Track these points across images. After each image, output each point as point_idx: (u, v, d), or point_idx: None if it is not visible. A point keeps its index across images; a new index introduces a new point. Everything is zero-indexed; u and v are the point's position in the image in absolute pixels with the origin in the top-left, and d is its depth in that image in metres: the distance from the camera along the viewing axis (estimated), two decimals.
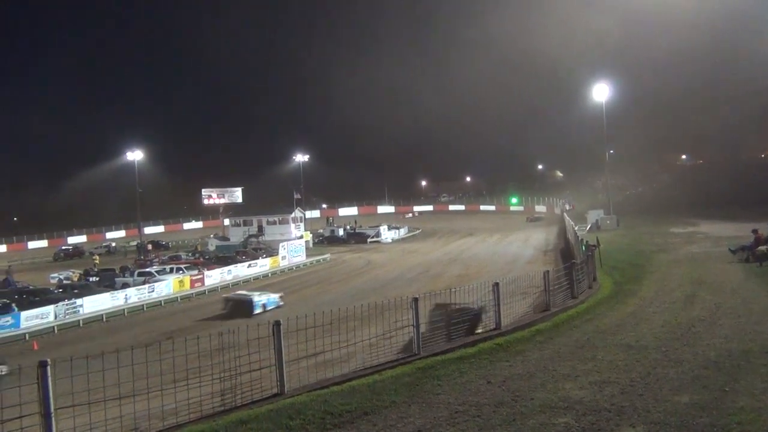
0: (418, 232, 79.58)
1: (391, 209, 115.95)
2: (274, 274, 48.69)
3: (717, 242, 35.41)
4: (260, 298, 31.14)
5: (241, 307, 29.80)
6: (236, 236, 69.98)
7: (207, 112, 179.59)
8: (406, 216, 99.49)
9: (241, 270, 46.99)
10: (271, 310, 30.47)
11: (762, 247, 25.48)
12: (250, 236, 68.44)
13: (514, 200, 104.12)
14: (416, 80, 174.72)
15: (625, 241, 41.96)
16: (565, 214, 66.43)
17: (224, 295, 33.25)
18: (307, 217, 79.48)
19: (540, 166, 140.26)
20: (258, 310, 29.97)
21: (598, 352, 11.14)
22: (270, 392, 9.24)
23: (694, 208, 63.08)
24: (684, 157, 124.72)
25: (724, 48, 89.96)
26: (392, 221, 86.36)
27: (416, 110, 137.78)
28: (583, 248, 28.84)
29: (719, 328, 13.17)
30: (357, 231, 73.99)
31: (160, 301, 37.72)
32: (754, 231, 27.24)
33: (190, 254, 60.16)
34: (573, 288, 17.89)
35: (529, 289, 18.33)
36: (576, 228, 44.93)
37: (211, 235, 76.30)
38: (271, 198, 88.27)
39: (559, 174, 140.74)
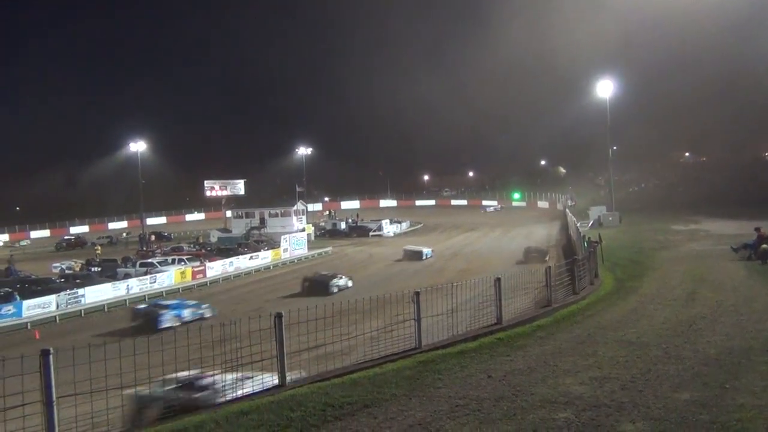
0: (420, 226, 79.58)
1: (393, 203, 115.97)
2: (275, 266, 48.80)
3: (719, 240, 35.40)
4: (336, 281, 34.68)
5: (318, 287, 33.57)
6: (238, 228, 70.09)
7: (211, 104, 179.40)
8: (488, 209, 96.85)
9: (242, 262, 47.08)
10: (343, 290, 33.70)
11: (765, 245, 25.47)
12: (252, 228, 68.53)
13: (516, 196, 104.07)
14: (419, 75, 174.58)
15: (627, 237, 41.96)
16: (567, 210, 66.41)
17: (304, 275, 36.70)
18: (309, 209, 79.56)
19: (543, 162, 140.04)
20: (334, 291, 33.39)
21: (599, 348, 11.15)
22: (271, 384, 9.27)
23: (696, 205, 63.05)
24: (687, 154, 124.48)
25: (730, 44, 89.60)
26: (395, 215, 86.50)
27: (420, 104, 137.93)
28: (585, 244, 28.84)
29: (720, 325, 13.17)
30: (359, 224, 74.05)
31: (162, 291, 37.83)
32: (757, 229, 27.23)
33: (192, 246, 60.29)
34: (575, 284, 17.90)
35: (531, 285, 18.36)
36: (578, 224, 44.92)
37: (223, 226, 76.49)
38: (274, 190, 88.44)
39: (562, 170, 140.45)
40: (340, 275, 35.98)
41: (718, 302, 16.20)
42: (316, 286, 33.63)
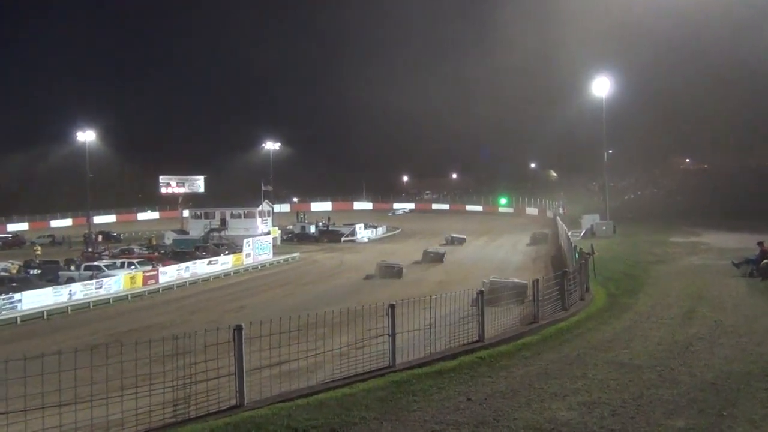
0: (397, 231, 79.73)
1: (368, 206, 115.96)
2: (236, 272, 48.51)
3: (720, 254, 35.99)
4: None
5: (391, 272, 41.42)
6: (196, 230, 69.52)
7: (169, 93, 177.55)
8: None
9: (200, 267, 46.71)
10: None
11: (767, 261, 25.92)
12: (212, 230, 68.06)
13: (503, 201, 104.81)
14: (401, 70, 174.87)
15: (622, 249, 42.45)
16: (558, 218, 67.02)
17: (378, 262, 44.11)
18: (275, 211, 79.24)
19: (533, 165, 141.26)
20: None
21: (589, 370, 11.26)
22: (228, 404, 9.19)
23: (696, 216, 64.06)
24: (688, 160, 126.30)
25: (735, 45, 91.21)
26: (370, 219, 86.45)
27: (401, 101, 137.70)
28: (576, 256, 29.11)
29: (719, 347, 13.39)
30: (330, 228, 73.99)
31: (109, 298, 37.36)
32: (760, 244, 27.67)
33: (143, 248, 59.63)
34: (564, 299, 18.05)
35: (517, 299, 18.49)
36: (569, 234, 45.33)
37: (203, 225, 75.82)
38: (237, 189, 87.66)
39: (554, 174, 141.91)
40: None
41: (717, 322, 16.46)
42: (390, 271, 41.58)
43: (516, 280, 28.52)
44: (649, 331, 15.53)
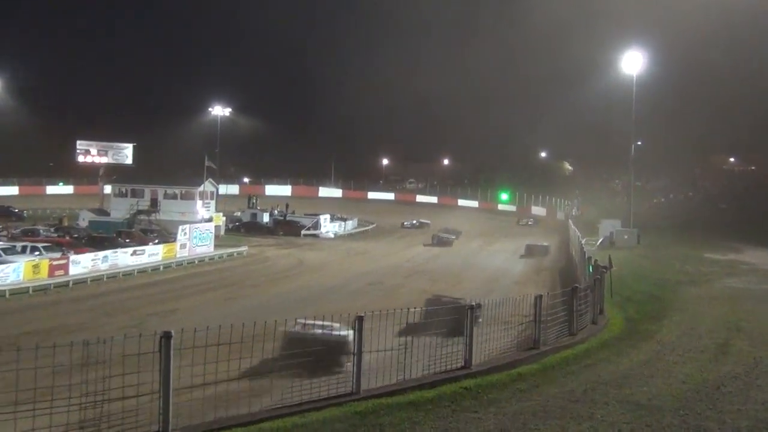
0: (371, 227, 79.73)
1: (337, 193, 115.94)
2: (167, 267, 48.17)
3: (764, 277, 36.47)
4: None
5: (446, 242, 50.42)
6: (119, 210, 68.86)
7: (94, 41, 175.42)
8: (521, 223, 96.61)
9: (122, 257, 46.30)
10: None
11: None
12: (139, 212, 67.48)
13: (504, 196, 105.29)
14: (386, 30, 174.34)
15: (646, 264, 42.81)
16: (570, 222, 67.44)
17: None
18: (221, 193, 78.76)
19: (543, 154, 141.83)
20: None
21: (598, 410, 11.34)
22: (148, 429, 9.14)
23: (738, 228, 64.78)
24: (732, 160, 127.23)
25: None
26: (339, 210, 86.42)
27: (382, 67, 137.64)
28: (590, 269, 29.30)
29: (756, 390, 13.55)
30: (288, 218, 73.84)
31: (5, 291, 36.85)
32: None
33: (52, 230, 58.87)
34: (572, 321, 18.16)
35: (514, 318, 18.52)
36: (583, 241, 45.63)
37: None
38: (174, 163, 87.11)
39: (568, 167, 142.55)
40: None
41: (756, 359, 16.66)
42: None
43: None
44: (673, 365, 15.69)
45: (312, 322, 17.32)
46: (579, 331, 18.51)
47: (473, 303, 14.30)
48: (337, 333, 16.54)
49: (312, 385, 11.16)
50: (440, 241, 64.84)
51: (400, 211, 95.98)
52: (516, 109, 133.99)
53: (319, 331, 16.27)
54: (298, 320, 17.74)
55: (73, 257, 43.44)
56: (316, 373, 11.41)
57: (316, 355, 12.39)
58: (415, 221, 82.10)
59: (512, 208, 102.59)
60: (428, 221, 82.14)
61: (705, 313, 25.20)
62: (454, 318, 14.90)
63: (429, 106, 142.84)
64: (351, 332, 13.25)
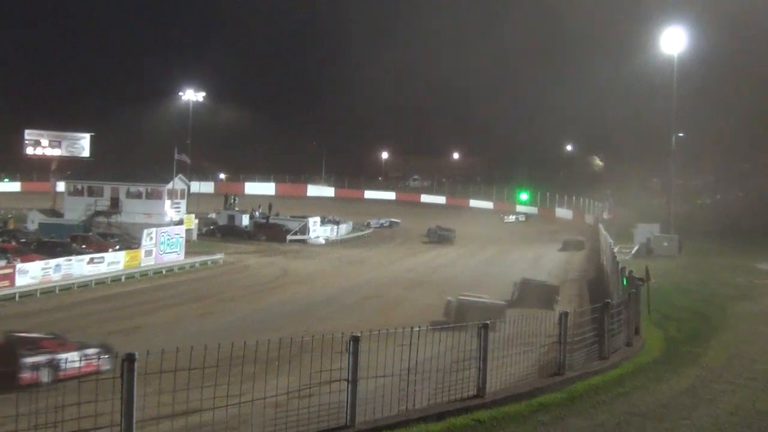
0: (368, 232, 79.70)
1: (329, 191, 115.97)
2: (130, 277, 48.15)
3: None
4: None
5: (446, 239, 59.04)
6: (74, 211, 68.83)
7: (43, 11, 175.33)
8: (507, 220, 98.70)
9: (77, 266, 46.24)
10: None
11: None
12: (98, 213, 67.47)
13: (523, 196, 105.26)
14: (386, 9, 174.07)
15: (690, 276, 42.71)
16: (601, 226, 67.35)
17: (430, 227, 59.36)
18: (193, 191, 78.65)
19: (569, 147, 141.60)
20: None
21: None
22: None
23: None
24: None
25: None
26: (330, 211, 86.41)
27: (383, 46, 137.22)
28: (624, 282, 29.24)
29: None
30: (271, 221, 73.85)
31: None
32: None
33: None
34: (603, 343, 18.09)
35: (535, 339, 18.45)
36: (616, 249, 45.54)
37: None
38: (138, 156, 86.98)
39: (598, 162, 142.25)
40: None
41: None
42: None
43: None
44: (720, 395, 15.63)
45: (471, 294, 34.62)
46: (611, 354, 18.44)
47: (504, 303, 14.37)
48: (495, 301, 33.72)
49: (300, 415, 11.11)
50: (440, 238, 65.53)
51: (402, 212, 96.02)
52: (538, 95, 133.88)
53: (481, 300, 33.56)
54: (462, 294, 34.66)
55: (19, 266, 43.34)
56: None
57: (481, 317, 18.95)
58: (384, 220, 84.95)
59: (533, 209, 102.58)
60: (398, 220, 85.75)
61: (758, 332, 25.13)
62: (544, 294, 27.47)
63: (436, 91, 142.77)
64: (504, 302, 31.18)
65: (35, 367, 21.98)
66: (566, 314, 16.73)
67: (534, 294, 37.84)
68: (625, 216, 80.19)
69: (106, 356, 21.72)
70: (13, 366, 21.33)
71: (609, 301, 20.47)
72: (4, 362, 22.25)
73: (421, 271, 53.66)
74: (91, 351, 23.15)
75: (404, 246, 70.24)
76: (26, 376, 21.64)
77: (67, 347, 23.73)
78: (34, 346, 23.52)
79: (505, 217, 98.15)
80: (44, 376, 21.76)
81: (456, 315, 31.39)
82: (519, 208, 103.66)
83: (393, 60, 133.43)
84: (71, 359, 22.53)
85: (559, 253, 63.80)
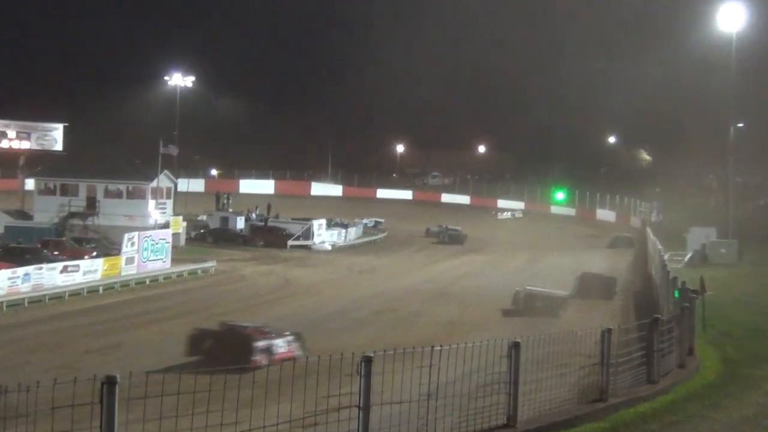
0: (381, 236, 79.65)
1: (336, 190, 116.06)
2: (109, 288, 48.20)
3: None
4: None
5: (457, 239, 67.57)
6: (45, 213, 68.99)
7: None
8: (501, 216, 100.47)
9: (48, 275, 46.29)
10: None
11: None
12: (72, 215, 67.63)
13: (559, 195, 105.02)
14: None
15: (751, 288, 42.49)
16: (648, 230, 67.13)
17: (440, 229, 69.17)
18: (181, 190, 78.73)
19: (612, 139, 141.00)
20: None
21: None
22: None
23: None
24: None
25: None
26: (338, 213, 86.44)
27: (397, 25, 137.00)
28: (676, 294, 29.16)
29: None
30: (270, 224, 74.01)
31: None
32: None
33: None
34: (652, 365, 18.02)
35: (573, 360, 18.43)
36: (666, 257, 45.39)
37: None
38: (118, 149, 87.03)
39: (645, 157, 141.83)
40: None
41: None
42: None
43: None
44: None
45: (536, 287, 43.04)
46: (661, 378, 18.37)
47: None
48: (558, 292, 42.89)
49: None
50: (450, 238, 66.37)
51: (420, 214, 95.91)
52: (576, 80, 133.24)
53: (545, 291, 42.34)
54: (526, 286, 42.98)
55: None
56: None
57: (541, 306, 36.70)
58: (367, 220, 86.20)
59: (569, 211, 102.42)
60: (382, 219, 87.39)
61: None
62: (603, 285, 42.72)
63: (460, 76, 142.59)
64: (566, 293, 43.70)
65: (262, 351, 29.29)
66: (609, 331, 16.64)
67: (594, 286, 46.59)
68: (676, 218, 79.93)
69: (299, 343, 30.82)
70: (248, 350, 28.51)
71: (658, 316, 20.41)
72: (240, 347, 29.00)
73: (442, 281, 53.72)
74: (290, 338, 30.93)
75: (423, 252, 70.20)
76: (257, 359, 28.44)
77: (277, 335, 30.91)
78: (260, 333, 30.77)
79: (499, 214, 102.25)
80: (264, 360, 28.58)
81: (524, 304, 41.07)
82: (554, 209, 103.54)
83: (411, 40, 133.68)
84: (280, 345, 30.39)
85: (600, 261, 63.49)
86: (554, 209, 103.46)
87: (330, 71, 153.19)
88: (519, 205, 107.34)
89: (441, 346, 13.16)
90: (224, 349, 28.85)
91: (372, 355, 11.37)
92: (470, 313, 41.16)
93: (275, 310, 42.81)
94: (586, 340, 16.91)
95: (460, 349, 13.86)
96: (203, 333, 31.20)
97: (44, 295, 44.20)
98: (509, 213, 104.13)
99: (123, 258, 52.11)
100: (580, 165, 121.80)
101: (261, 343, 29.75)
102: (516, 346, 13.61)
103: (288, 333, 31.54)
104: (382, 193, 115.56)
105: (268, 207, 79.50)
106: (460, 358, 13.67)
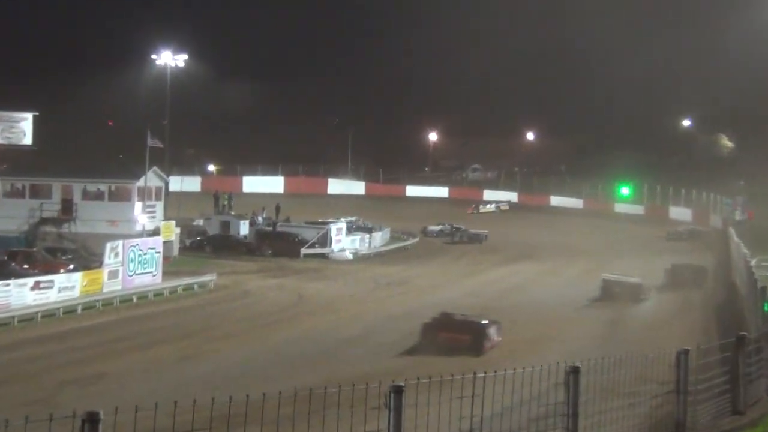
0: (413, 241, 79.59)
1: (357, 187, 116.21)
2: (89, 307, 48.32)
3: None
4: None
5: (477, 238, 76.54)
6: (13, 219, 69.29)
7: None
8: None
9: (17, 293, 46.51)
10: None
11: None
12: (44, 221, 67.96)
13: (624, 190, 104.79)
14: None
15: None
16: (731, 231, 66.89)
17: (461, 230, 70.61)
18: (173, 189, 78.89)
19: (686, 123, 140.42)
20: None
21: None
22: None
23: None
24: None
25: None
26: (360, 214, 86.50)
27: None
28: (766, 308, 29.06)
29: None
30: (280, 229, 74.31)
31: None
32: None
33: None
34: (737, 392, 17.95)
35: (644, 387, 18.37)
36: (753, 262, 45.26)
37: None
38: (98, 143, 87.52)
39: (727, 143, 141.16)
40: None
41: None
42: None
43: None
44: None
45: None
46: (748, 408, 18.30)
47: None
48: (637, 280, 53.70)
49: None
50: (470, 238, 73.65)
51: (459, 214, 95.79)
52: (644, 55, 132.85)
53: (624, 279, 53.35)
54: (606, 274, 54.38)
55: None
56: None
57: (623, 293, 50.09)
58: (351, 218, 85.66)
59: (636, 208, 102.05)
60: (355, 217, 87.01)
61: None
62: (694, 274, 54.23)
63: (506, 51, 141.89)
64: (640, 280, 54.47)
65: (489, 339, 37.99)
66: (686, 353, 16.57)
67: (684, 275, 55.78)
68: (765, 216, 79.67)
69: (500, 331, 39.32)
70: (483, 338, 37.62)
71: (745, 334, 20.35)
72: (475, 335, 37.66)
73: (488, 295, 53.73)
74: (499, 326, 39.76)
75: (463, 260, 70.19)
76: (488, 344, 37.39)
77: (492, 322, 39.46)
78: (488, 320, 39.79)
79: (482, 206, 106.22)
80: (488, 346, 37.61)
81: (604, 292, 51.61)
82: (618, 207, 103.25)
83: (448, 3, 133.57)
84: (494, 333, 38.87)
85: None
86: (618, 207, 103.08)
87: (349, 44, 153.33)
88: (577, 201, 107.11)
89: (485, 372, 13.16)
90: (459, 339, 36.84)
91: (403, 384, 11.37)
92: (520, 334, 41.14)
93: (286, 332, 42.90)
94: (658, 364, 16.87)
95: (509, 376, 13.84)
96: (435, 323, 38.57)
97: (12, 317, 44.33)
98: (493, 205, 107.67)
99: (105, 271, 52.15)
100: (649, 154, 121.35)
101: (492, 330, 38.64)
102: (575, 371, 13.57)
103: (497, 320, 40.23)
104: (413, 191, 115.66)
105: (277, 208, 79.82)
106: (508, 386, 13.66)
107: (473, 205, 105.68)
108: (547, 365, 14.54)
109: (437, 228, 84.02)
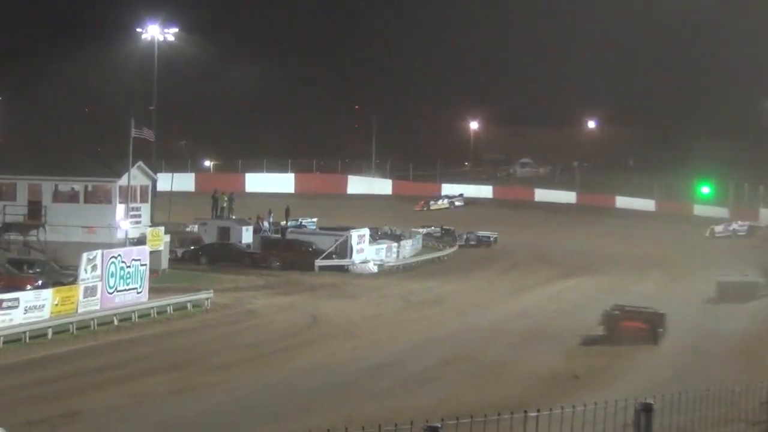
0: (449, 251, 79.57)
1: (383, 185, 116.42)
2: (61, 331, 48.39)
3: None
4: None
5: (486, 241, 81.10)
6: None
7: None
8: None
9: None
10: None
11: None
12: (7, 227, 68.23)
13: (705, 189, 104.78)
14: None
15: None
16: None
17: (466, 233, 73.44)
18: (162, 188, 79.11)
19: None
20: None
21: None
22: None
23: None
24: None
25: None
26: (386, 218, 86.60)
27: None
28: None
29: None
30: (290, 236, 74.33)
31: None
32: None
33: None
34: None
35: (730, 427, 18.25)
36: None
37: None
38: (72, 134, 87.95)
39: None
40: None
41: None
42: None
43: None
44: None
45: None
46: None
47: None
48: (756, 279, 62.61)
49: None
50: (479, 240, 77.52)
51: (505, 217, 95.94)
52: (725, 27, 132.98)
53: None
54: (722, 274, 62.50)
55: None
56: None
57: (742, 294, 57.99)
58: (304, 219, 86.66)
59: (720, 210, 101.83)
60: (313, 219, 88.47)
61: None
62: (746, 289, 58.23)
63: (561, 26, 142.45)
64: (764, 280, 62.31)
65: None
66: None
67: (732, 291, 59.35)
68: None
69: None
70: (660, 327, 46.21)
71: None
72: (653, 323, 46.33)
73: (540, 315, 53.78)
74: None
75: (511, 274, 70.15)
76: (662, 333, 46.15)
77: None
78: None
79: (432, 202, 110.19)
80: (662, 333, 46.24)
81: (719, 294, 58.16)
82: (697, 208, 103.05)
83: None
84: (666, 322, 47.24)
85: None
86: (698, 209, 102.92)
87: (373, 15, 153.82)
88: (647, 203, 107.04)
89: (539, 410, 13.00)
90: (639, 328, 45.46)
91: (440, 425, 11.20)
92: (576, 362, 41.00)
93: (297, 361, 42.71)
94: (745, 398, 16.72)
95: (566, 415, 13.67)
96: (612, 314, 46.58)
97: None
98: (445, 200, 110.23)
99: (81, 288, 52.04)
100: (734, 146, 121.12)
101: (666, 320, 46.85)
102: (646, 409, 13.37)
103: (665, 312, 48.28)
104: (450, 189, 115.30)
105: (287, 211, 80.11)
106: (566, 426, 13.51)
107: (423, 201, 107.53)
108: (614, 401, 14.37)
109: (422, 231, 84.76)
